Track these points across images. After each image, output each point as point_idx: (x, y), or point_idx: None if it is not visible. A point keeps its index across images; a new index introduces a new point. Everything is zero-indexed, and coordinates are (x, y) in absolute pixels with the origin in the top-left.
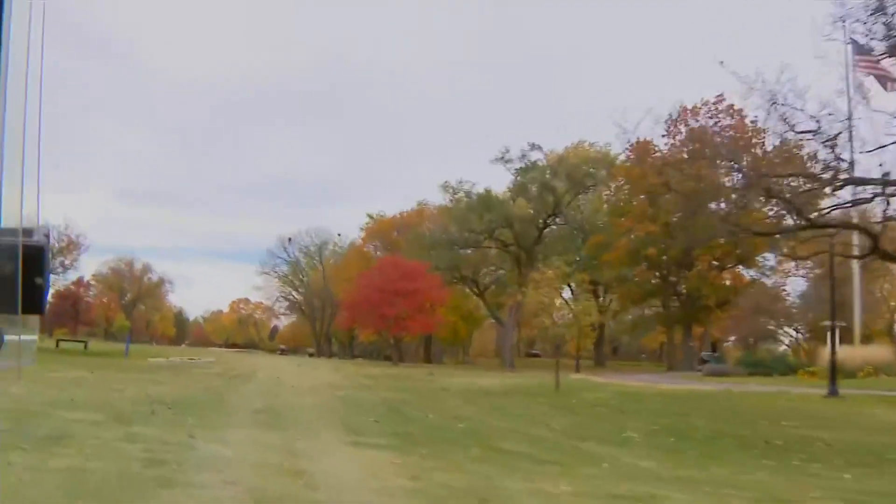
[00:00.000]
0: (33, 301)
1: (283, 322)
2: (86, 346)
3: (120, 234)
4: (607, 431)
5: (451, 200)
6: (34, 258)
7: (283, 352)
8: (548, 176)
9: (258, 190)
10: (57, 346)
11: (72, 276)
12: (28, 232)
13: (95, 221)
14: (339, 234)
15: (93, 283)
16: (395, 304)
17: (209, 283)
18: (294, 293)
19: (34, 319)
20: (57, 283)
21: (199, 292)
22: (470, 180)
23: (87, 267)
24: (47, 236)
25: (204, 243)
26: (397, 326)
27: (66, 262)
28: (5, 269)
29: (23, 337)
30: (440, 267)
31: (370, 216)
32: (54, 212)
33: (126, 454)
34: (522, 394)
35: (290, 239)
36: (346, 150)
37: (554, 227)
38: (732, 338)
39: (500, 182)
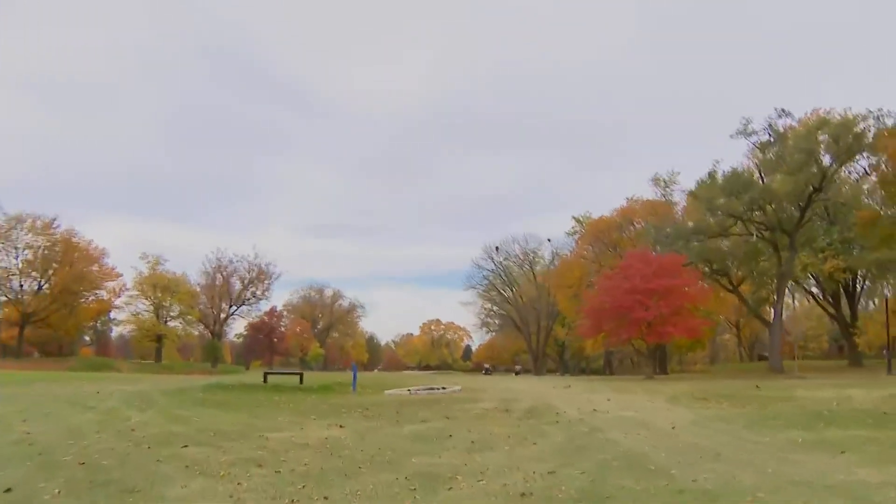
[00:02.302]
0: None
1: (476, 341)
2: (301, 380)
3: (309, 265)
4: None
5: (663, 194)
6: None
7: (487, 371)
8: (807, 144)
9: (442, 214)
10: (265, 380)
11: (264, 306)
12: None
13: (289, 254)
14: (549, 240)
15: (285, 312)
16: (649, 307)
17: (397, 307)
18: (496, 307)
19: None
20: (250, 315)
21: (387, 317)
22: (678, 170)
23: (279, 298)
24: None
25: (390, 269)
26: (652, 332)
27: (258, 292)
28: None
29: None
30: (691, 260)
31: (577, 219)
32: (242, 244)
33: None
34: None
35: (497, 247)
36: (528, 163)
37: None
38: None
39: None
